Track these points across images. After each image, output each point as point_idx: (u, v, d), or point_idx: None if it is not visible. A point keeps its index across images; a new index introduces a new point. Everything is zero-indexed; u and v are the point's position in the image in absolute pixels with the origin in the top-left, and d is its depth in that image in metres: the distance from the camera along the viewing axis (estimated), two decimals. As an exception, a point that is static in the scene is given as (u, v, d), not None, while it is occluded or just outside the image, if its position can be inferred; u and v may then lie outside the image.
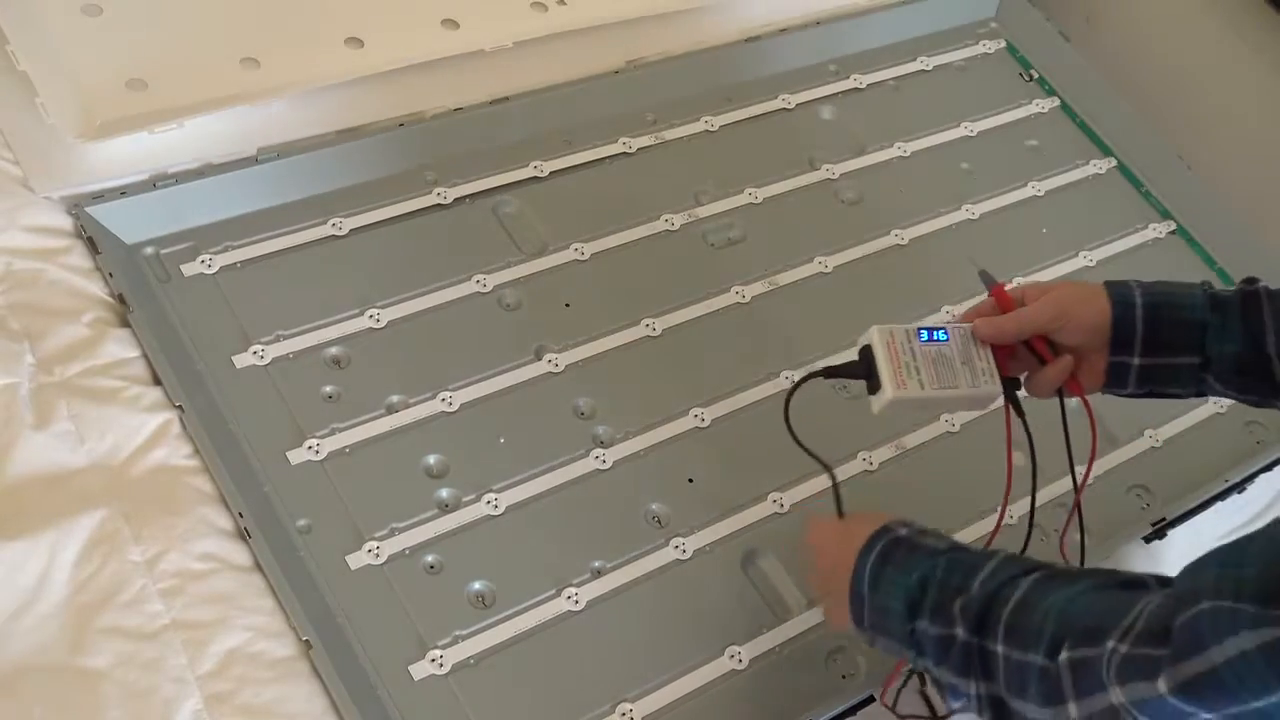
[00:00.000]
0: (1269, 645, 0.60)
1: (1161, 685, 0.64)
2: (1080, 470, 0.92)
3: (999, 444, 0.91)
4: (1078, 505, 0.92)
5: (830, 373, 0.89)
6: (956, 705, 0.81)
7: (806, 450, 0.90)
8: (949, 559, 0.80)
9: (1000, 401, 0.88)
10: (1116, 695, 0.67)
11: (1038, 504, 0.95)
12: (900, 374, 0.85)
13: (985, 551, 0.81)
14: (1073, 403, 0.89)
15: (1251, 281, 0.86)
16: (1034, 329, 0.86)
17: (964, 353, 0.86)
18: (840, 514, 0.91)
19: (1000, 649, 0.74)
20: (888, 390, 0.85)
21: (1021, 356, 0.88)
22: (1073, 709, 0.70)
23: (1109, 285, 0.87)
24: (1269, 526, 0.65)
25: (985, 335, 0.87)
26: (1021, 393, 0.89)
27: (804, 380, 0.90)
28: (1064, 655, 0.70)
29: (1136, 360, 0.85)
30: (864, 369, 0.87)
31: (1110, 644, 0.68)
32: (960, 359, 0.86)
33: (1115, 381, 0.87)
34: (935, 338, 0.86)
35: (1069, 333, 0.86)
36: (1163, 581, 0.73)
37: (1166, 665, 0.64)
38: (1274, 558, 0.62)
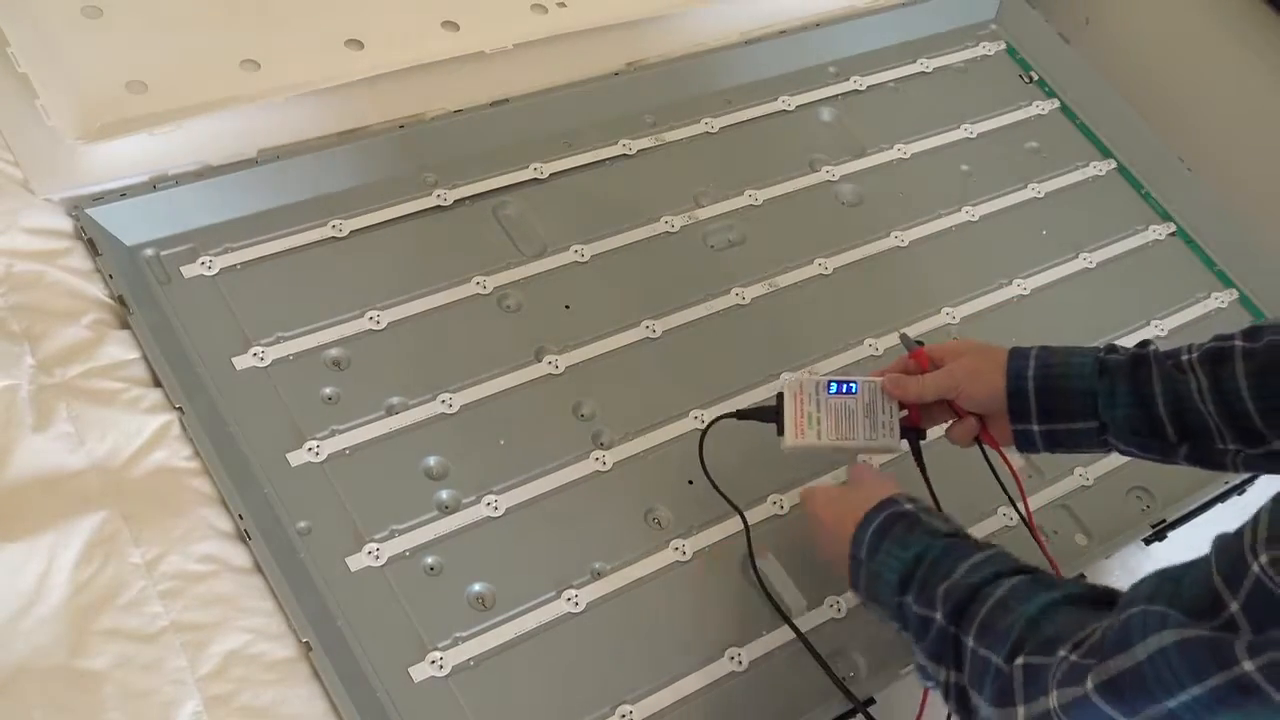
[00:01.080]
0: (1187, 642, 0.62)
1: (1088, 683, 0.66)
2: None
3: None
4: None
5: (742, 415, 0.99)
6: (928, 685, 0.83)
7: (718, 489, 1.00)
8: (946, 544, 0.83)
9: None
10: (1052, 700, 0.69)
11: (1034, 508, 0.97)
12: (801, 424, 0.94)
13: (983, 543, 0.84)
14: None
15: (1145, 345, 0.91)
16: (933, 396, 0.93)
17: (870, 406, 0.94)
18: (753, 561, 1.01)
19: (971, 643, 0.76)
20: (787, 438, 0.94)
21: (937, 411, 0.95)
22: (1020, 712, 0.71)
23: (1010, 356, 0.92)
24: (1211, 552, 0.66)
25: (890, 393, 0.95)
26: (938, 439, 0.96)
27: (716, 421, 0.99)
28: (1019, 660, 0.72)
29: (1037, 427, 0.91)
30: (773, 414, 0.95)
31: (1061, 653, 0.69)
32: (864, 412, 0.94)
33: (1024, 445, 0.92)
34: (845, 390, 0.94)
35: (964, 402, 0.93)
36: None
37: (1095, 665, 0.66)
38: (1206, 583, 0.64)
